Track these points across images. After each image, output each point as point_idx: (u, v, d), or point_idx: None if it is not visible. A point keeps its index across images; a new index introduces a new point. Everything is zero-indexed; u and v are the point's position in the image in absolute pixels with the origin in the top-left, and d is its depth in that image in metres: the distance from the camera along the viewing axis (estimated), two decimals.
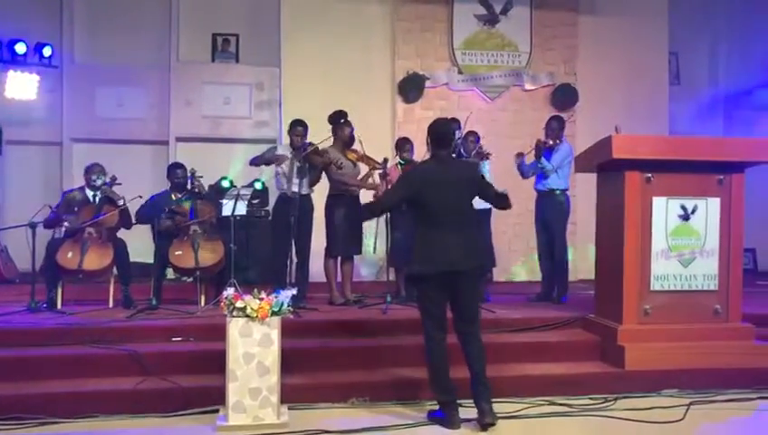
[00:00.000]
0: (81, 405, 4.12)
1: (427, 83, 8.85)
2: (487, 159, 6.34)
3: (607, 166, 5.12)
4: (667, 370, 4.73)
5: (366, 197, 6.35)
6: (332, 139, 6.27)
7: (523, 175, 6.65)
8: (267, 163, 6.25)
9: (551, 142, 6.33)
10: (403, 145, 6.53)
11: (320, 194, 6.38)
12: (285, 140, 6.80)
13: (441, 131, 4.12)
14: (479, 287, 6.30)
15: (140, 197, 6.22)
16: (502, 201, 4.23)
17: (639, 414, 4.24)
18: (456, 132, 6.77)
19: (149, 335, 5.02)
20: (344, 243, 6.18)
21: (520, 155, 6.55)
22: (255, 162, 6.31)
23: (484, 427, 3.93)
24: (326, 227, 6.23)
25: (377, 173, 6.23)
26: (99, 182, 6.15)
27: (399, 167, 6.46)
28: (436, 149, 4.07)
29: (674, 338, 4.86)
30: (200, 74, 9.12)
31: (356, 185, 6.26)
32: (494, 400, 4.05)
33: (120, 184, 6.19)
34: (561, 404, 4.44)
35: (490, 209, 6.45)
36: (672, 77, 9.64)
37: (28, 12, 8.79)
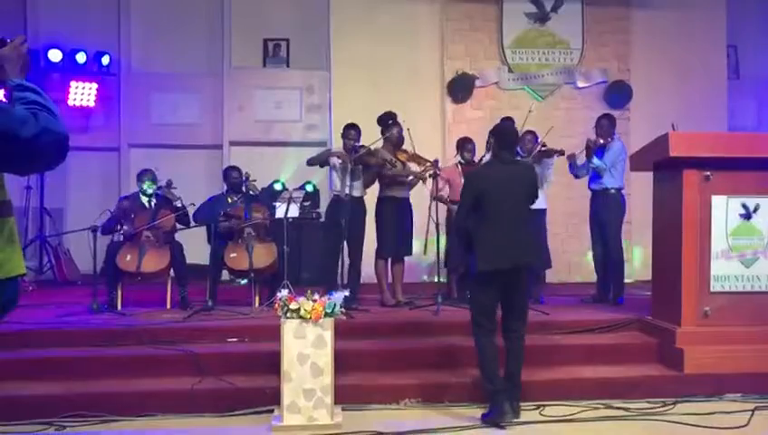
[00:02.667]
0: (140, 404, 4.22)
1: (477, 83, 8.81)
2: (561, 154, 6.23)
3: (664, 164, 5.01)
4: (729, 373, 4.59)
5: (417, 200, 6.38)
6: (382, 140, 6.28)
7: (576, 175, 6.56)
8: (323, 164, 6.29)
9: (601, 141, 6.23)
10: (464, 145, 6.51)
11: (372, 197, 6.41)
12: (336, 142, 6.85)
13: (506, 133, 4.26)
14: (531, 286, 6.31)
15: (193, 205, 6.34)
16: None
17: (700, 419, 4.13)
18: None
19: (205, 336, 5.11)
20: (394, 244, 6.19)
21: (571, 157, 6.46)
22: (311, 162, 6.37)
23: (503, 425, 3.96)
24: (376, 228, 6.25)
25: (427, 174, 6.22)
26: (150, 190, 6.29)
27: (459, 166, 6.44)
28: (499, 151, 4.13)
29: (735, 341, 4.71)
30: (252, 79, 9.26)
31: (408, 174, 6.23)
32: (546, 402, 4.03)
33: (175, 188, 6.33)
34: (617, 407, 4.35)
35: (545, 210, 6.40)
36: (731, 71, 9.35)
37: (87, 22, 9.06)
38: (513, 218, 4.05)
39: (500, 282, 4.03)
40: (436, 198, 6.12)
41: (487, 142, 4.25)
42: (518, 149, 6.33)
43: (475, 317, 4.11)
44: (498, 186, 4.04)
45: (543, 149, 6.23)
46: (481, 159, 6.22)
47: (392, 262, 6.33)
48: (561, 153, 6.27)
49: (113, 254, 5.98)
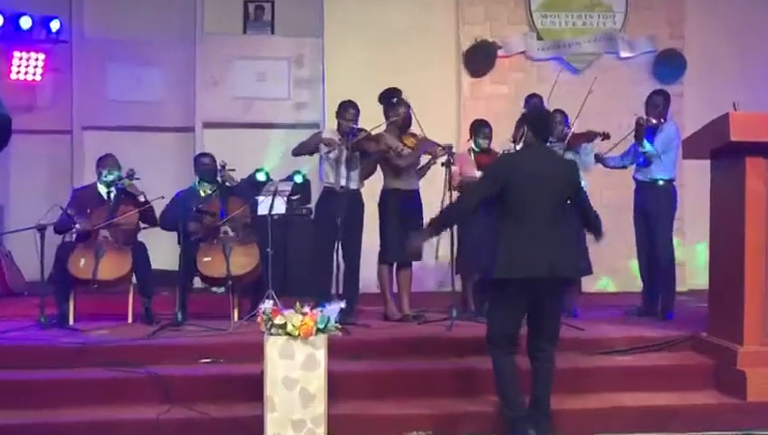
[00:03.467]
0: None
1: (499, 52, 8.82)
2: (605, 138, 6.23)
3: (723, 151, 5.01)
4: None
5: (427, 192, 6.39)
6: (385, 122, 6.30)
7: (617, 168, 6.56)
8: (312, 152, 6.31)
9: (654, 121, 6.22)
10: (479, 129, 6.50)
11: (369, 189, 6.43)
12: (330, 123, 6.87)
13: (540, 118, 4.29)
14: (564, 299, 6.31)
15: (163, 197, 6.36)
16: (595, 227, 4.33)
17: None
18: None
19: (174, 356, 5.12)
20: (401, 246, 6.19)
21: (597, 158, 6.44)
22: (298, 152, 6.39)
23: None
24: (380, 227, 6.27)
25: (440, 161, 6.24)
26: (110, 178, 6.30)
27: (472, 155, 6.45)
28: (532, 138, 4.16)
29: None
30: (230, 48, 9.27)
31: (420, 154, 6.26)
32: None
33: (138, 178, 6.35)
34: None
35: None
36: None
37: None
38: (547, 219, 4.02)
39: (524, 295, 3.99)
40: (456, 186, 6.11)
41: (516, 131, 4.25)
42: None
43: (490, 335, 4.11)
44: (530, 178, 4.02)
45: (580, 131, 6.23)
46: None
47: (398, 267, 6.35)
48: (606, 136, 6.26)
49: (64, 257, 6.00)
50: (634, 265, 6.77)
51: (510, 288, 3.99)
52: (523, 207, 4.02)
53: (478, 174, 6.05)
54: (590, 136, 6.27)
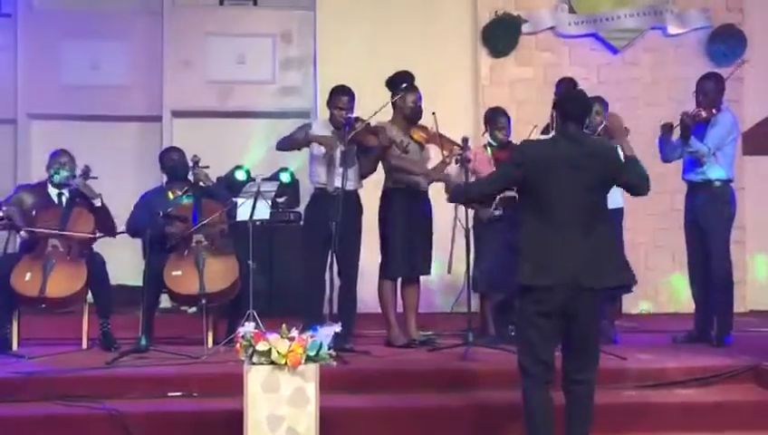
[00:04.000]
0: None
1: (524, 28, 8.85)
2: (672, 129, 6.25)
3: None
4: None
5: (438, 193, 6.39)
6: (391, 111, 6.30)
7: (665, 157, 6.51)
8: (300, 146, 6.31)
9: (704, 114, 6.21)
10: (495, 118, 6.50)
11: (369, 190, 6.43)
12: (323, 112, 6.87)
13: (572, 100, 4.28)
14: (602, 319, 6.30)
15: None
16: (645, 181, 4.33)
17: None
18: None
19: (137, 388, 5.09)
20: (407, 259, 6.20)
21: (667, 127, 6.38)
22: (283, 146, 6.38)
23: None
24: (381, 236, 6.28)
25: (454, 159, 6.23)
26: (58, 178, 6.30)
27: (488, 150, 6.44)
28: (563, 124, 4.15)
29: None
30: (204, 23, 9.30)
31: (424, 174, 6.27)
32: None
33: (95, 178, 6.35)
34: None
35: (621, 209, 6.39)
36: None
37: None
38: (579, 217, 4.00)
39: (556, 308, 3.97)
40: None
41: (552, 119, 4.24)
42: None
43: (521, 361, 4.09)
44: (561, 168, 4.00)
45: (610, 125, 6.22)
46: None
47: (403, 284, 6.34)
48: (671, 127, 6.24)
49: (6, 271, 5.99)
50: (684, 282, 6.76)
51: (540, 298, 3.96)
52: (550, 203, 4.00)
53: None
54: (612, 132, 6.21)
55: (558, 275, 3.93)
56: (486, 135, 6.55)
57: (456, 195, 4.51)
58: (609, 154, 4.27)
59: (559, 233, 3.98)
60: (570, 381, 4.12)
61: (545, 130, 6.44)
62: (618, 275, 4.24)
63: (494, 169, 6.22)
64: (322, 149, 6.13)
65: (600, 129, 6.20)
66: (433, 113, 6.13)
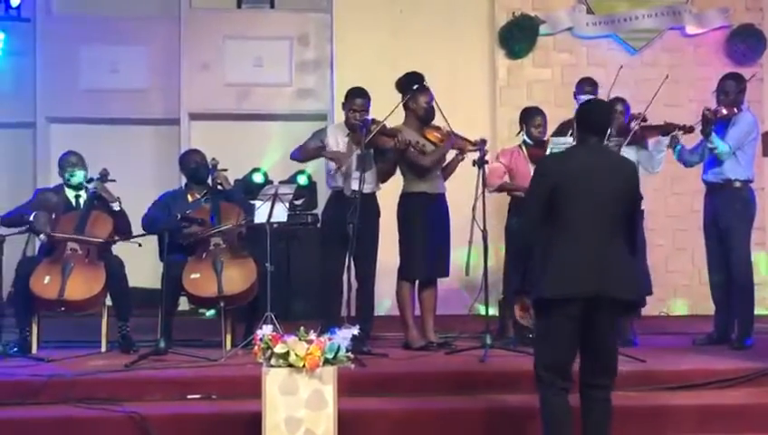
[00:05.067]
0: None
1: (542, 29, 8.83)
2: (688, 131, 6.22)
3: None
4: None
5: (455, 195, 6.38)
6: (404, 113, 6.30)
7: (687, 163, 6.53)
8: (314, 158, 6.32)
9: (724, 112, 6.19)
10: (532, 117, 6.50)
11: (387, 192, 6.43)
12: (339, 114, 6.87)
13: (591, 111, 4.27)
14: (621, 324, 6.27)
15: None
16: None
17: None
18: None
19: (156, 391, 5.11)
20: (425, 261, 6.19)
21: (675, 139, 6.39)
22: (297, 157, 6.40)
23: None
24: (399, 238, 6.27)
25: (471, 159, 6.22)
26: (75, 180, 6.33)
27: (524, 149, 6.44)
28: (583, 135, 4.18)
29: None
30: (222, 26, 9.33)
31: (446, 150, 6.27)
32: None
33: (113, 181, 6.37)
34: None
35: (642, 212, 6.37)
36: None
37: None
38: (601, 229, 4.01)
39: (577, 317, 3.97)
40: (500, 187, 6.11)
41: (570, 130, 4.27)
42: None
43: (539, 370, 4.07)
44: (583, 180, 4.01)
45: (651, 124, 6.19)
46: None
47: (421, 286, 6.34)
48: (689, 130, 6.21)
49: (25, 274, 6.02)
50: (705, 283, 6.72)
51: (562, 309, 3.96)
52: (573, 215, 4.00)
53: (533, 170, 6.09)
54: (667, 128, 6.22)
55: (579, 288, 3.93)
56: (522, 134, 6.54)
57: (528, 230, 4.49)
58: (631, 172, 4.27)
59: (579, 245, 3.98)
60: (587, 386, 4.10)
61: (558, 132, 6.45)
62: (637, 289, 4.23)
63: (531, 164, 6.27)
64: (333, 165, 6.13)
65: (634, 129, 6.16)
66: (435, 102, 6.13)
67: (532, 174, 5.97)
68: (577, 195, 4.00)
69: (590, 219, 4.00)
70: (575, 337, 4.01)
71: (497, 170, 6.41)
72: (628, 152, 6.02)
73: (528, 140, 6.47)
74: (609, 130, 4.52)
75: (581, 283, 3.94)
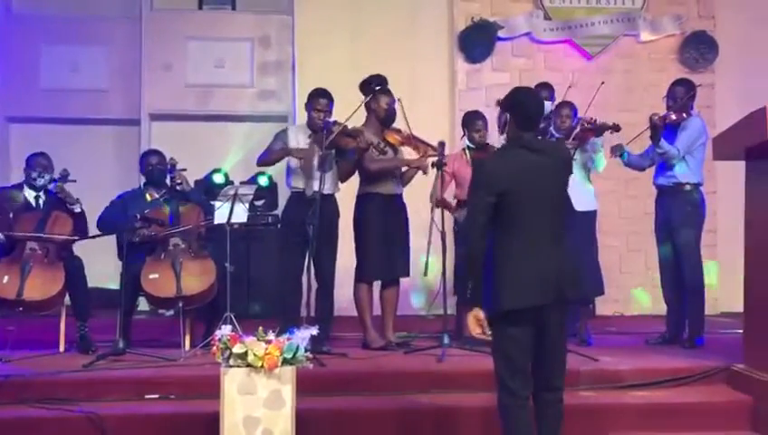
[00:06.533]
0: None
1: (500, 34, 8.88)
2: (615, 130, 6.26)
3: (759, 150, 5.03)
4: None
5: (412, 199, 6.39)
6: (365, 115, 6.30)
7: (637, 168, 6.60)
8: (280, 160, 6.28)
9: (673, 117, 6.26)
10: (472, 122, 6.51)
11: (343, 194, 6.44)
12: (301, 116, 6.86)
13: (528, 104, 4.06)
14: (574, 321, 6.31)
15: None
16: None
17: None
18: (548, 104, 6.75)
19: (114, 391, 5.08)
20: (384, 261, 6.20)
21: (616, 149, 6.47)
22: (264, 161, 6.36)
23: None
24: (356, 239, 6.27)
25: (429, 161, 6.24)
26: (41, 181, 6.27)
27: (467, 153, 6.45)
28: (518, 132, 4.03)
29: None
30: (183, 27, 9.28)
31: (403, 163, 6.29)
32: None
33: (73, 181, 6.31)
34: None
35: (594, 212, 6.43)
36: None
37: None
38: (554, 229, 3.92)
39: (532, 322, 3.88)
40: (439, 202, 6.13)
41: (499, 119, 4.10)
42: (551, 127, 6.38)
43: (503, 379, 3.93)
44: (525, 182, 3.87)
45: (588, 126, 6.24)
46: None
47: (383, 286, 6.35)
48: (616, 128, 6.28)
49: None
50: (657, 283, 6.78)
51: (519, 320, 3.85)
52: (525, 220, 3.87)
53: None
54: (599, 129, 6.27)
55: (540, 297, 3.82)
56: (465, 139, 6.56)
57: (474, 265, 4.12)
58: (565, 155, 4.21)
59: (535, 251, 3.85)
60: (544, 390, 4.01)
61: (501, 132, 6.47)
62: (589, 285, 4.16)
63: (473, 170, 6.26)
64: (298, 163, 6.11)
65: (575, 132, 6.23)
66: (398, 99, 6.13)
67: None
68: (527, 199, 3.86)
69: (542, 222, 3.88)
70: (531, 339, 3.95)
71: (446, 178, 6.34)
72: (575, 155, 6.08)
73: (470, 145, 6.48)
74: (540, 124, 4.41)
75: (542, 291, 3.83)
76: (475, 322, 3.89)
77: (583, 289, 4.06)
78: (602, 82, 6.46)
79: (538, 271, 3.84)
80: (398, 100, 6.22)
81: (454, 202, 6.40)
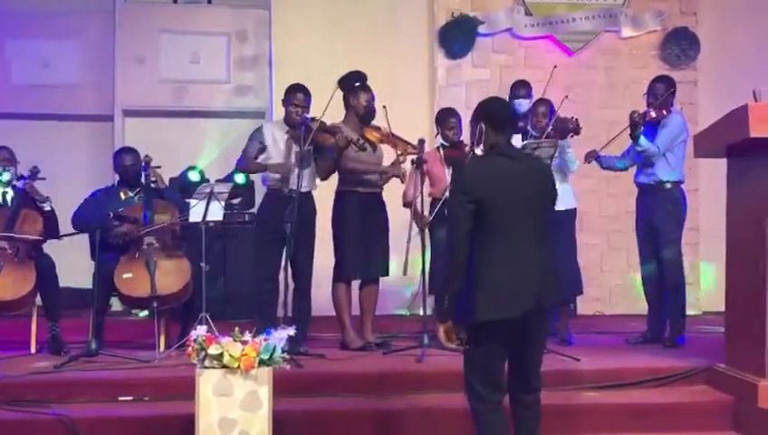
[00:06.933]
0: None
1: (481, 29, 8.90)
2: (577, 133, 6.30)
3: (741, 148, 5.06)
4: None
5: (393, 196, 6.40)
6: (344, 111, 6.31)
7: (616, 169, 6.63)
8: (261, 171, 6.27)
9: (653, 114, 6.30)
10: (445, 119, 6.52)
11: (321, 191, 6.44)
12: (278, 112, 6.84)
13: (498, 110, 4.13)
14: (554, 321, 6.34)
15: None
16: None
17: None
18: (525, 102, 6.78)
19: (87, 393, 5.06)
20: (362, 260, 6.21)
21: (590, 154, 6.51)
22: (244, 169, 6.37)
23: None
24: (334, 237, 6.28)
25: (409, 159, 6.25)
26: (4, 177, 6.23)
27: (441, 151, 6.46)
28: (495, 139, 4.03)
29: None
30: (157, 20, 9.24)
31: (378, 172, 6.31)
32: None
33: (43, 179, 6.28)
34: None
35: (574, 210, 6.47)
36: None
37: None
38: (530, 237, 3.89)
39: (511, 333, 3.86)
40: (407, 203, 6.16)
41: (473, 133, 4.08)
42: (528, 126, 6.40)
43: (474, 386, 3.93)
44: (504, 189, 3.87)
45: (561, 124, 6.26)
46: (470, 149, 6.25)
47: (361, 285, 6.37)
48: (575, 130, 6.25)
49: None
50: (638, 283, 6.83)
51: (496, 329, 3.82)
52: (501, 228, 3.85)
53: (449, 173, 6.10)
54: (562, 129, 6.26)
55: (519, 307, 3.80)
56: (438, 136, 6.57)
57: (455, 274, 4.08)
58: (548, 173, 4.22)
59: (513, 260, 3.83)
60: (521, 392, 4.01)
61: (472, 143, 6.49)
62: (563, 289, 4.14)
63: (446, 166, 6.29)
64: (278, 176, 6.10)
65: (548, 130, 6.25)
66: (384, 107, 6.15)
67: (447, 176, 6.01)
68: (506, 205, 3.85)
69: (523, 227, 3.87)
70: (506, 346, 3.90)
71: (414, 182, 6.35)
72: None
73: (444, 142, 6.49)
74: (515, 129, 4.45)
75: (521, 301, 3.80)
76: (448, 335, 3.90)
77: (564, 292, 4.07)
78: (566, 96, 6.39)
79: (518, 279, 3.82)
80: (384, 107, 6.16)
81: (422, 216, 6.28)
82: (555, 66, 6.62)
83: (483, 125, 4.02)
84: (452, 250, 3.94)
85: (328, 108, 6.03)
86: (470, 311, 3.81)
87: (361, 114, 6.27)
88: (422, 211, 6.15)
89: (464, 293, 3.83)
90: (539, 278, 3.86)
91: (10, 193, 6.27)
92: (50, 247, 6.35)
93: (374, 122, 6.33)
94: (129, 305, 6.46)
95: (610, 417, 5.00)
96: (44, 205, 6.19)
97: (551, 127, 6.28)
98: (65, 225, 6.30)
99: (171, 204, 6.37)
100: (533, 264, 3.86)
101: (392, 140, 6.27)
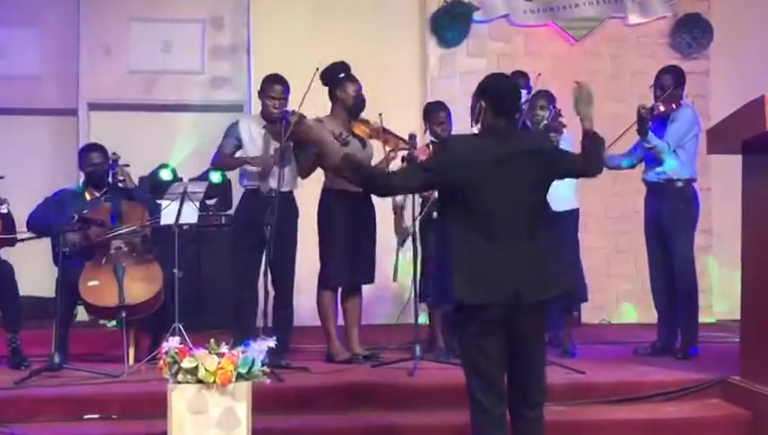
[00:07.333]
0: None
1: (476, 16, 8.91)
2: (556, 132, 6.32)
3: (757, 143, 5.08)
4: None
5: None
6: (330, 105, 6.31)
7: (623, 168, 6.64)
8: (238, 167, 6.27)
9: (662, 108, 6.31)
10: (434, 113, 6.54)
11: (305, 190, 6.43)
12: (257, 105, 6.85)
13: (503, 91, 4.11)
14: (557, 330, 6.35)
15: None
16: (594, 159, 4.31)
17: None
18: (523, 93, 6.78)
19: (49, 411, 5.05)
20: (349, 266, 6.21)
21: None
22: (219, 165, 6.36)
23: None
24: (320, 241, 6.28)
25: (400, 155, 6.25)
26: None
27: (430, 148, 6.46)
28: (493, 119, 4.04)
29: None
30: (125, 7, 9.22)
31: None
32: None
33: (1, 177, 6.26)
34: None
35: (576, 210, 6.47)
36: None
37: None
38: (521, 225, 3.90)
39: (501, 330, 3.87)
40: (395, 209, 6.18)
41: (473, 108, 4.11)
42: (526, 119, 6.41)
43: (476, 395, 3.93)
44: (492, 171, 3.86)
45: (552, 122, 6.28)
46: None
47: (344, 294, 6.35)
48: (556, 129, 6.26)
49: None
50: (647, 289, 6.84)
51: (481, 319, 3.85)
52: (483, 212, 3.87)
53: None
54: (555, 127, 6.27)
55: (497, 294, 3.82)
56: (426, 132, 6.58)
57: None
58: (544, 147, 4.22)
59: (496, 244, 3.85)
60: (522, 407, 3.99)
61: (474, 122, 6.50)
62: (562, 282, 4.12)
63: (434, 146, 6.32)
64: (256, 169, 6.10)
65: (542, 124, 6.27)
66: (380, 115, 6.14)
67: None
68: (488, 193, 3.86)
69: (510, 216, 3.88)
70: (502, 350, 3.90)
71: None
72: None
73: (433, 139, 6.50)
74: (517, 112, 4.46)
75: (495, 291, 3.82)
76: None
77: (556, 291, 4.03)
78: (539, 74, 6.45)
79: (495, 268, 3.84)
80: (380, 115, 6.15)
81: (405, 226, 6.33)
82: (539, 74, 6.58)
83: (483, 103, 4.05)
84: (384, 181, 4.23)
85: (312, 99, 6.03)
86: (450, 292, 3.90)
87: (350, 106, 6.24)
88: (404, 223, 6.15)
89: (442, 277, 3.91)
90: (521, 272, 3.85)
91: None
92: (8, 253, 6.33)
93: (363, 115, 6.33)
94: (95, 315, 6.44)
95: (620, 432, 5.02)
96: (2, 207, 6.16)
97: (548, 121, 6.28)
98: (22, 229, 6.27)
99: (141, 205, 6.37)
100: (516, 255, 3.86)
101: (382, 135, 6.24)
